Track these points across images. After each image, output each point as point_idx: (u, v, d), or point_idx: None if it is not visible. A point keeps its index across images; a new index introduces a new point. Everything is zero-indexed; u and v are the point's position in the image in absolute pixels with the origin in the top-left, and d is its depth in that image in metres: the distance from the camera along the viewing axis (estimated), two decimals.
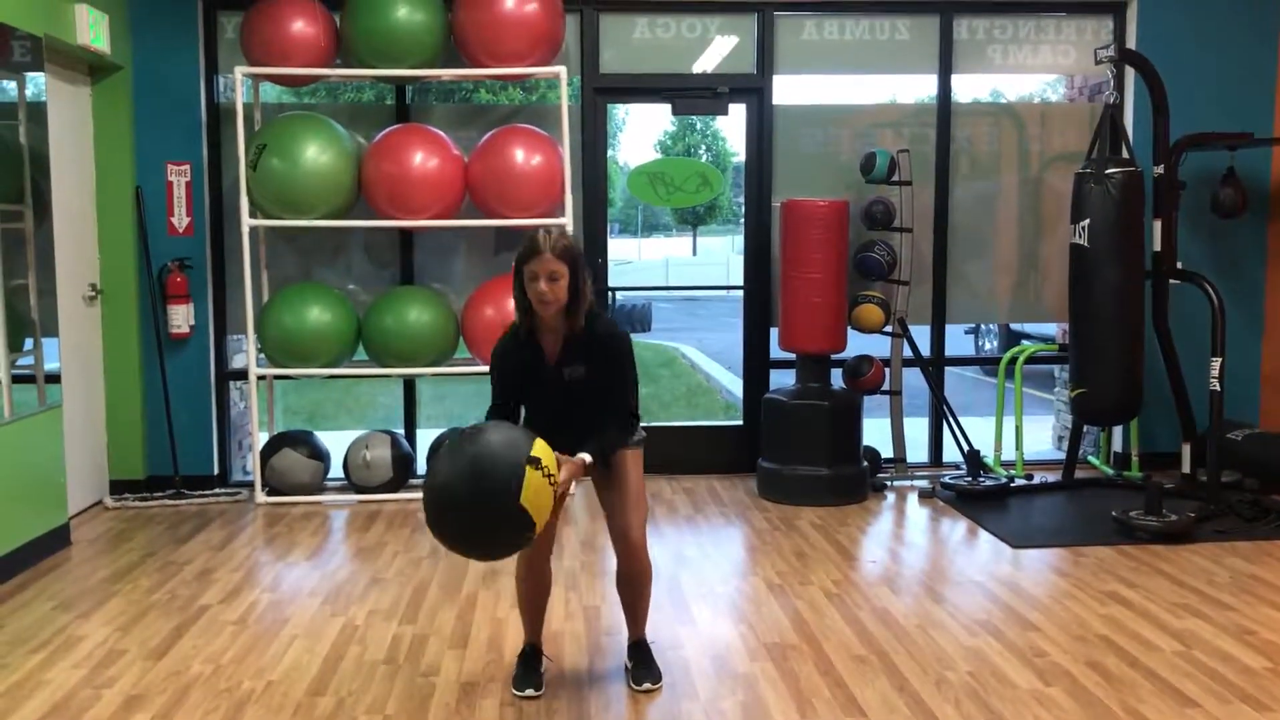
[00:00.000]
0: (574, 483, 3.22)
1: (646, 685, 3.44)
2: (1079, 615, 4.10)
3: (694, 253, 37.64)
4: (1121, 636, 3.88)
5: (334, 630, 3.99)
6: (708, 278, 25.13)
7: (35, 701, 3.38)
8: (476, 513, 2.84)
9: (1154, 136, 5.78)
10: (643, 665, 3.51)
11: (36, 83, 5.13)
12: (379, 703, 3.37)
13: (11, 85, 4.94)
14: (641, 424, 3.43)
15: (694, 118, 37.70)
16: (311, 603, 4.30)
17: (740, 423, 6.65)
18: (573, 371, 3.27)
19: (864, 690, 3.45)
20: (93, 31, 5.39)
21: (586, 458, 3.19)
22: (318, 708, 3.33)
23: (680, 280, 24.02)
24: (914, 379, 6.46)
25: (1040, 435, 7.23)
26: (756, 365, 6.53)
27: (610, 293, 6.47)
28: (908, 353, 6.26)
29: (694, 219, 36.72)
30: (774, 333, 6.32)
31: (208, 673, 3.60)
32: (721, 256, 32.32)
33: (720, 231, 42.27)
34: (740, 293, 6.57)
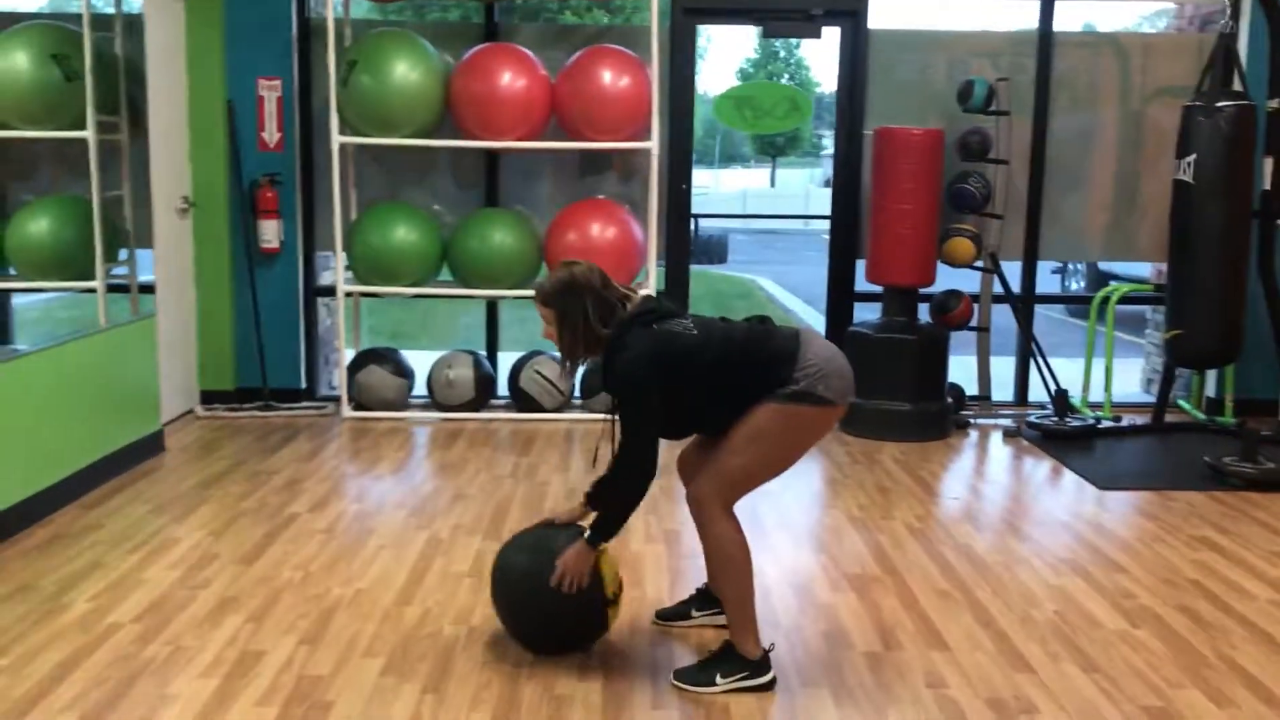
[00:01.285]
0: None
1: (674, 680, 3.01)
2: (1168, 559, 4.02)
3: (772, 184, 37.18)
4: (1213, 582, 3.80)
5: (419, 542, 4.05)
6: (786, 210, 24.84)
7: (134, 599, 3.49)
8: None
9: (1270, 69, 5.52)
10: (707, 660, 3.06)
11: None
12: (464, 614, 3.43)
13: None
14: (786, 388, 2.89)
15: (777, 44, 37.00)
16: (397, 515, 4.37)
17: None
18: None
19: (948, 625, 3.43)
20: None
21: (586, 537, 3.00)
22: (405, 617, 3.40)
23: (758, 212, 23.76)
24: (1001, 318, 6.33)
25: (1129, 377, 7.06)
26: (841, 298, 6.44)
27: (693, 219, 6.40)
28: (998, 289, 6.13)
29: (773, 150, 36.21)
30: (860, 265, 6.22)
31: (298, 579, 3.68)
32: (800, 189, 31.94)
33: (799, 164, 41.72)
34: (820, 226, 6.49)
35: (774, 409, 2.90)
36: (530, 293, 6.12)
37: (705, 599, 3.37)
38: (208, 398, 6.11)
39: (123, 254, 5.45)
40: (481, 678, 3.02)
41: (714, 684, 2.95)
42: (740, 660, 2.98)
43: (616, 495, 2.99)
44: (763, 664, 2.98)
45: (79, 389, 4.60)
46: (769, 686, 2.97)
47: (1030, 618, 3.48)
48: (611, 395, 3.01)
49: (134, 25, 5.24)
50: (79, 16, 5.00)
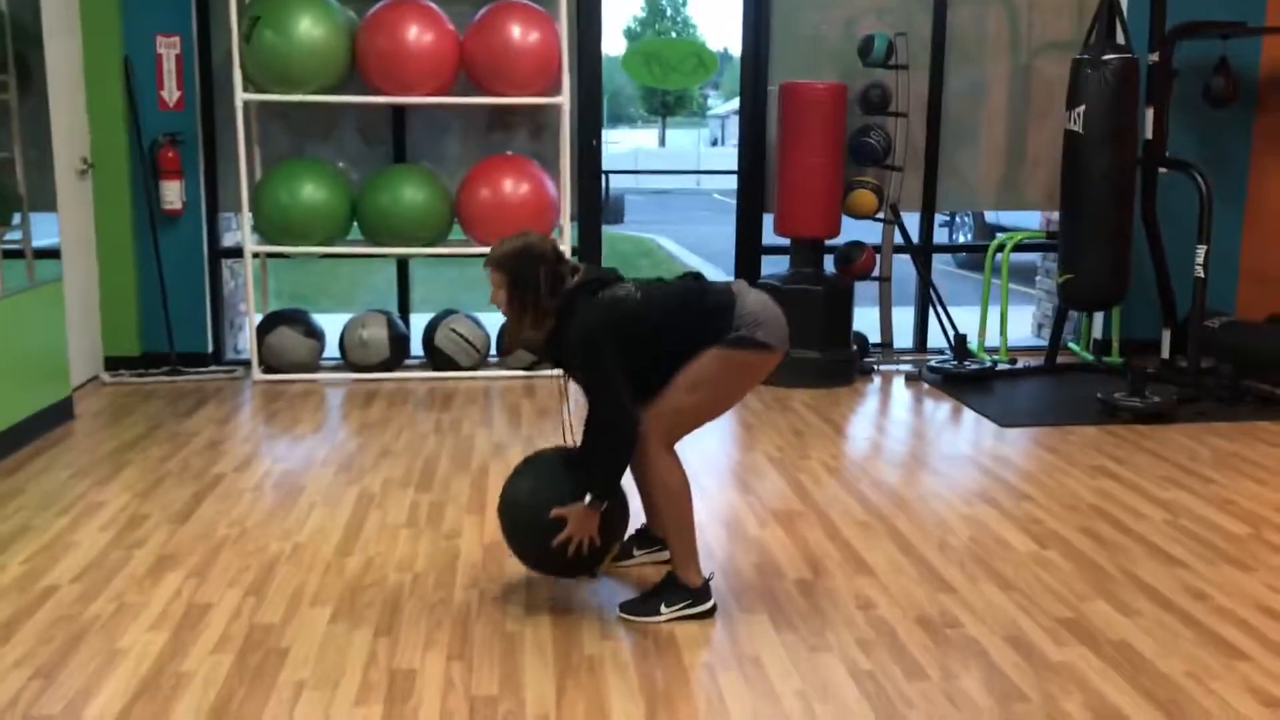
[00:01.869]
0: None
1: (620, 612, 3.12)
2: (1069, 487, 4.28)
3: (662, 144, 37.30)
4: (1111, 505, 4.06)
5: (351, 497, 4.08)
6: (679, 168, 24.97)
7: (69, 560, 3.46)
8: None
9: (1150, 24, 5.82)
10: (650, 592, 3.17)
11: None
12: (407, 561, 3.49)
13: None
14: (737, 324, 3.02)
15: (664, 2, 37.11)
16: (325, 472, 4.38)
17: None
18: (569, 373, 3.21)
19: (871, 553, 3.61)
20: None
21: (587, 499, 3.04)
22: (348, 567, 3.44)
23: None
24: (900, 268, 6.55)
25: (1021, 324, 7.38)
26: (748, 251, 6.58)
27: (604, 175, 6.47)
28: (898, 240, 6.35)
29: (663, 110, 36.32)
30: (767, 220, 6.36)
31: (234, 535, 3.69)
32: (690, 149, 32.10)
33: (688, 124, 41.89)
34: (711, 185, 6.60)
35: (716, 354, 3.02)
36: (443, 251, 6.14)
37: (645, 538, 3.49)
38: (113, 364, 5.98)
39: (16, 218, 5.29)
40: (432, 619, 3.09)
41: (659, 613, 3.08)
42: (683, 590, 3.11)
43: (601, 458, 3.04)
44: (704, 592, 3.12)
45: None
46: (710, 613, 3.11)
47: (947, 544, 3.69)
48: (565, 365, 3.14)
49: None
50: None
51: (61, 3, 5.52)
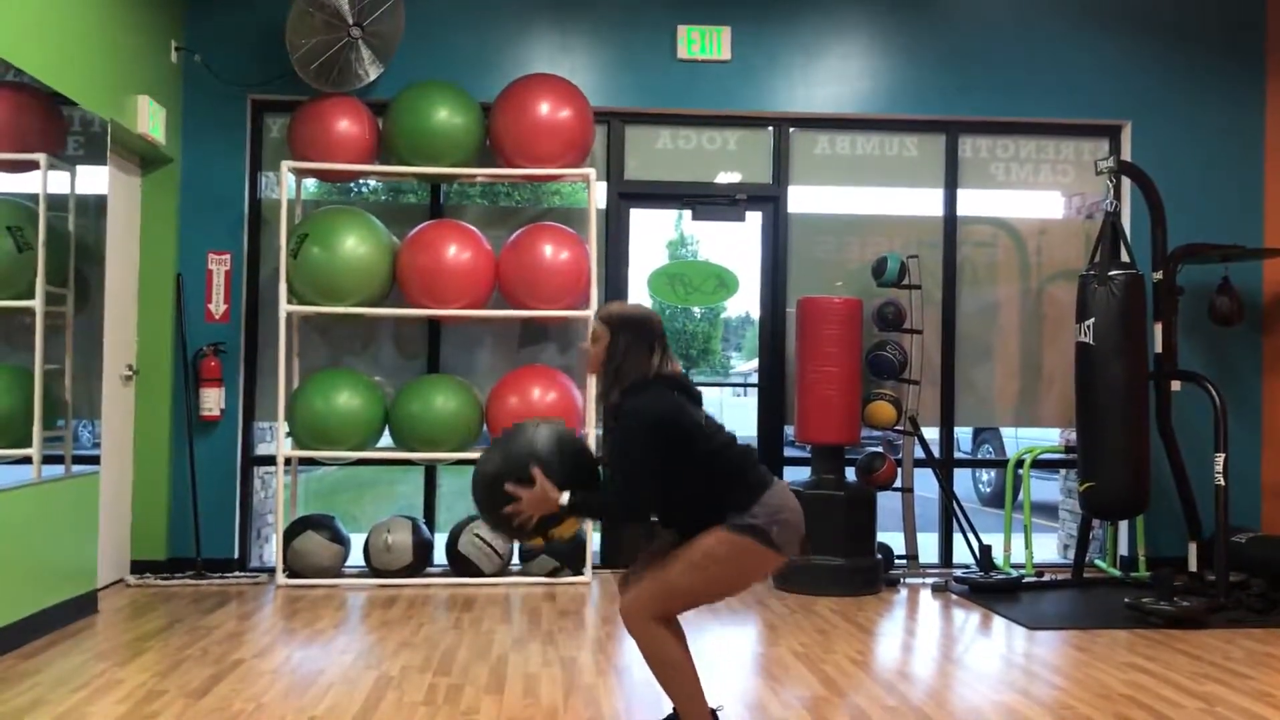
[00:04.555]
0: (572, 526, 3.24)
1: None
2: (1101, 680, 4.18)
3: None
4: (1146, 696, 3.96)
5: (369, 680, 4.04)
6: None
7: None
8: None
9: (1152, 244, 6.10)
10: None
11: (85, 175, 5.40)
12: None
13: (65, 177, 5.20)
14: (742, 518, 3.06)
15: (699, 232, 38.46)
16: (344, 658, 4.35)
17: None
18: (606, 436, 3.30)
19: None
20: (152, 122, 5.71)
21: (564, 498, 3.09)
22: None
23: None
24: (920, 496, 6.60)
25: (1046, 546, 7.33)
26: (770, 460, 6.67)
27: None
28: (919, 453, 6.43)
29: (686, 364, 37.20)
30: (788, 430, 6.49)
31: (250, 709, 3.65)
32: (714, 404, 32.69)
33: (707, 382, 42.60)
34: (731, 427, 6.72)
35: (725, 536, 3.05)
36: (471, 455, 6.25)
37: None
38: (138, 567, 6.03)
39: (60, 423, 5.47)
40: None
41: None
42: None
43: (604, 509, 3.19)
44: None
45: (17, 542, 4.56)
46: None
47: None
48: (611, 437, 3.19)
49: (87, 205, 5.45)
50: (36, 196, 5.20)
51: (124, 225, 5.91)
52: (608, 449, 3.21)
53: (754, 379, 6.89)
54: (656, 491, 3.06)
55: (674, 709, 3.25)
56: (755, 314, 6.74)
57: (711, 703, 3.13)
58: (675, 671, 3.09)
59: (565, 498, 3.08)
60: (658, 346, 3.18)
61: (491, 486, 3.14)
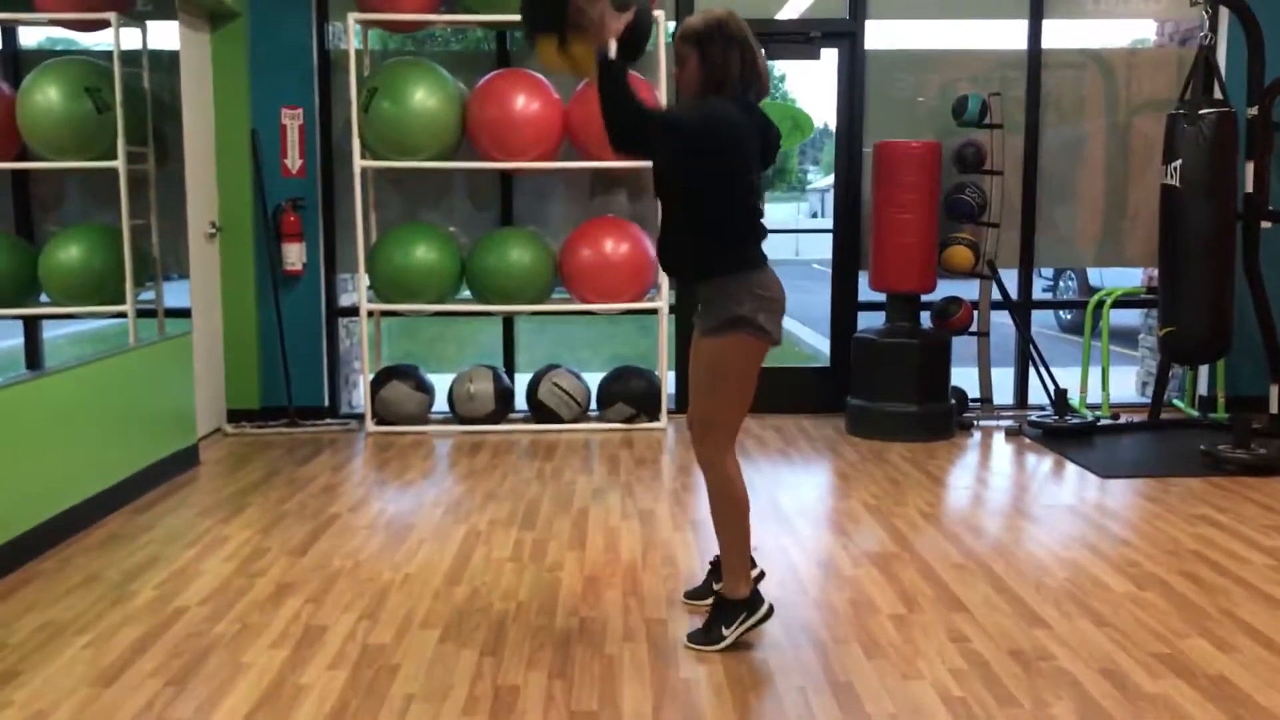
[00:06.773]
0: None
1: (686, 643, 3.20)
2: (1170, 534, 4.24)
3: None
4: (1212, 551, 4.02)
5: (459, 534, 4.25)
6: (776, 244, 25.13)
7: (196, 586, 3.69)
8: None
9: (1249, 78, 5.82)
10: (709, 620, 3.23)
11: (154, 31, 5.41)
12: (511, 591, 3.63)
13: (136, 33, 5.22)
14: (743, 305, 3.08)
15: (781, 69, 37.51)
16: (434, 512, 4.57)
17: (826, 365, 6.81)
18: None
19: (966, 592, 3.64)
20: None
21: (613, 46, 2.93)
22: (455, 595, 3.59)
23: None
24: (998, 329, 6.56)
25: (1124, 383, 7.30)
26: (844, 307, 6.68)
27: None
28: (996, 296, 6.38)
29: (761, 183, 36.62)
30: (863, 276, 6.46)
31: (349, 566, 3.88)
32: (790, 220, 32.30)
33: (787, 198, 42.09)
34: (808, 256, 6.69)
35: (715, 344, 3.13)
36: (546, 308, 6.34)
37: (719, 571, 3.56)
38: (234, 416, 6.31)
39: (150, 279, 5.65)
40: (534, 642, 3.22)
41: (723, 637, 3.17)
42: (735, 605, 3.20)
43: (620, 93, 2.94)
44: (755, 599, 3.22)
45: (123, 402, 4.80)
46: (769, 615, 3.23)
47: (1043, 584, 3.69)
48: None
49: (161, 60, 5.48)
50: (110, 53, 5.24)
51: (197, 81, 5.94)
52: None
53: (830, 196, 6.80)
54: (666, 133, 3.04)
55: (717, 556, 3.37)
56: (833, 125, 6.59)
57: (756, 569, 3.29)
58: (735, 514, 3.20)
59: (614, 47, 2.92)
60: (747, 56, 3.10)
61: None
